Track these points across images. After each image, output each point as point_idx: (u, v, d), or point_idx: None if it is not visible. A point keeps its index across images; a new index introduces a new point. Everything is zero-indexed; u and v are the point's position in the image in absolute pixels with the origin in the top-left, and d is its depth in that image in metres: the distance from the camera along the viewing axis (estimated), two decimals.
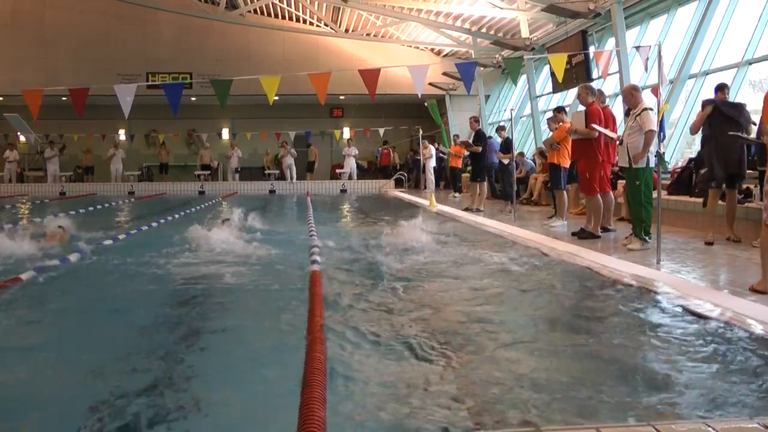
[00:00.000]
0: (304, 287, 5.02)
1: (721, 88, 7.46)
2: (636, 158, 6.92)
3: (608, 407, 2.72)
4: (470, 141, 13.05)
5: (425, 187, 19.87)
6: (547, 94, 17.75)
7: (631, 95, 7.25)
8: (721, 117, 7.17)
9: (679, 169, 9.87)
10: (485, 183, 12.90)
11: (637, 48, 8.45)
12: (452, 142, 18.87)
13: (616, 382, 3.02)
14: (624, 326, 3.99)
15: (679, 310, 4.28)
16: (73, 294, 5.32)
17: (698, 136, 7.90)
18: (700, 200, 8.19)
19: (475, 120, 13.40)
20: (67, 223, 8.42)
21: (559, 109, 9.99)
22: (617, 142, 7.69)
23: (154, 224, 10.00)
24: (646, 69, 8.59)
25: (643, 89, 8.12)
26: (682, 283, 5.15)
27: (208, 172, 24.09)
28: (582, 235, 8.01)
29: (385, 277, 5.51)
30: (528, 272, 5.86)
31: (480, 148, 12.62)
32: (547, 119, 10.18)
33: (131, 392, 2.89)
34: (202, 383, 3.09)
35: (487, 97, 22.19)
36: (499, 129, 14.04)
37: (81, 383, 3.09)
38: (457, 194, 17.23)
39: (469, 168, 14.81)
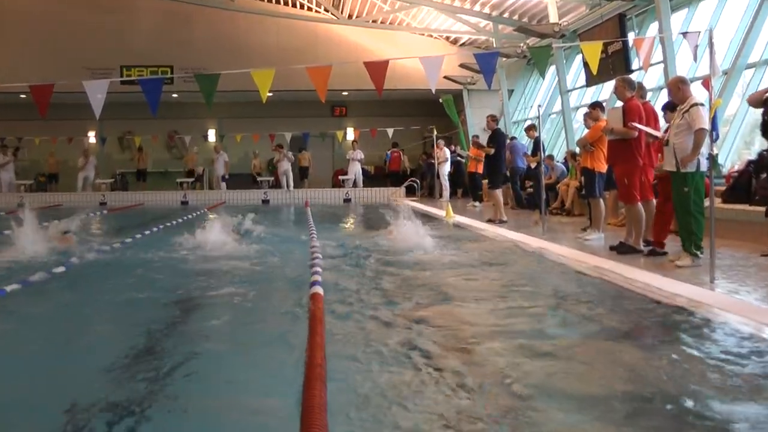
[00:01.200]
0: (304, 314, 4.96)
1: None
2: (684, 161, 6.88)
3: None
4: (486, 142, 13.03)
5: (440, 195, 19.88)
6: (580, 87, 17.74)
7: (678, 89, 7.21)
8: None
9: (736, 174, 9.80)
10: (499, 191, 12.77)
11: (685, 34, 8.44)
12: (471, 144, 18.89)
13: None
14: (675, 358, 3.91)
15: (738, 337, 4.22)
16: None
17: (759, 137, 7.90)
18: (762, 209, 8.12)
19: (492, 119, 13.39)
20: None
21: (595, 105, 9.95)
22: (663, 144, 7.64)
23: (129, 240, 10.03)
24: (695, 58, 8.59)
25: (691, 82, 8.08)
26: (741, 305, 5.08)
27: (192, 179, 24.19)
28: (621, 250, 7.96)
29: (400, 304, 5.45)
30: (560, 296, 5.82)
31: (492, 150, 12.60)
32: (584, 115, 10.16)
33: None
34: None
35: (511, 92, 22.23)
36: (529, 128, 14.02)
37: None
38: (477, 203, 17.21)
39: None
